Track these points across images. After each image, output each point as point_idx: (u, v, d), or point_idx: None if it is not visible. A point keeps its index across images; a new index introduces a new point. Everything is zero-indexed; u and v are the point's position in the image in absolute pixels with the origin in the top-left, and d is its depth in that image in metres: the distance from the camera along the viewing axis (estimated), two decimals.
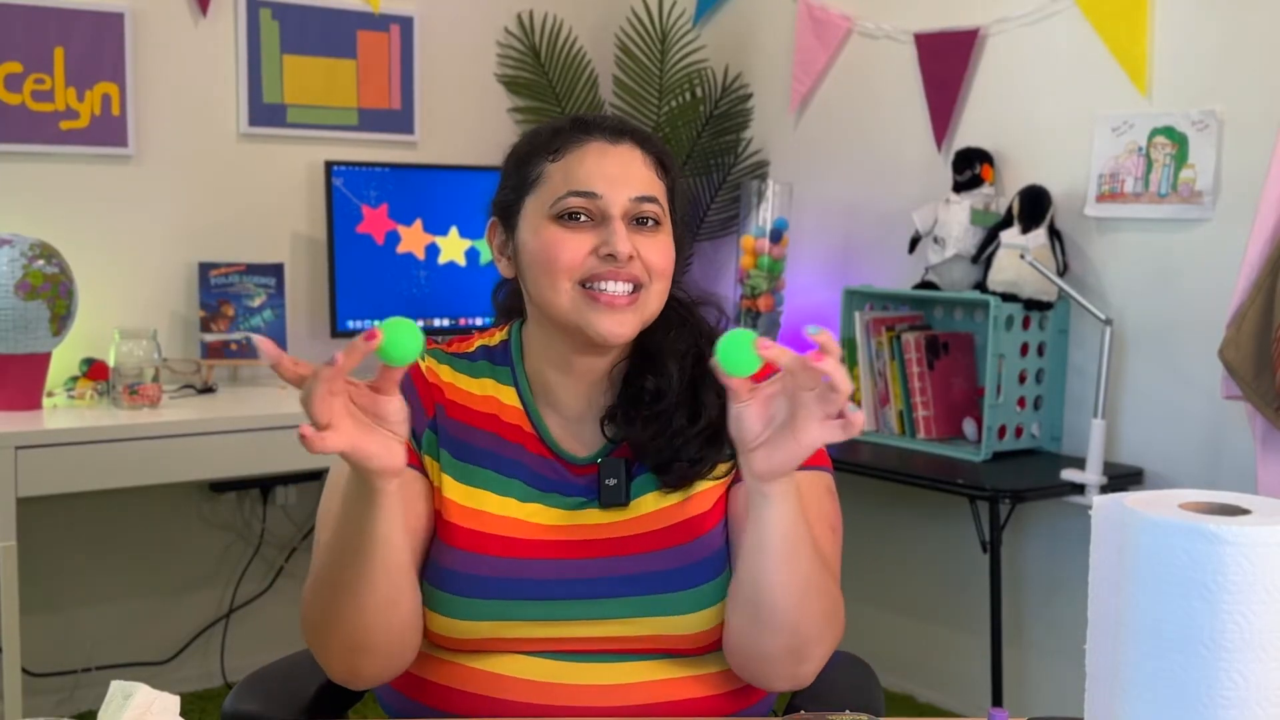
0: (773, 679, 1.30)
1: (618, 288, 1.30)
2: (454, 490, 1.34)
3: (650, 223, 1.33)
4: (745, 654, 1.29)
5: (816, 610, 1.25)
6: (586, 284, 1.30)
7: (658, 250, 1.32)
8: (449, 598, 1.30)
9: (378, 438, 1.11)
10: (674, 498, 1.34)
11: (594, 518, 1.34)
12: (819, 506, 1.33)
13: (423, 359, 1.40)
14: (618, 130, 1.35)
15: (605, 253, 1.29)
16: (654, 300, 1.33)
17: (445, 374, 1.40)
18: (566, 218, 1.31)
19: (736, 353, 1.10)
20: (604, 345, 1.32)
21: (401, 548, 1.23)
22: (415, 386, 1.39)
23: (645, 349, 1.38)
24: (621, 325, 1.30)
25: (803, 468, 1.32)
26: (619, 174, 1.32)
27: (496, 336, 1.45)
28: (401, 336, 1.06)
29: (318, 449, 1.06)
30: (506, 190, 1.38)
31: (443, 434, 1.37)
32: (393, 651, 1.28)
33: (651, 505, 1.34)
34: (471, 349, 1.44)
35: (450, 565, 1.31)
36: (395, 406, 1.12)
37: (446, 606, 1.30)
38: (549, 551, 1.32)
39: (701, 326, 1.41)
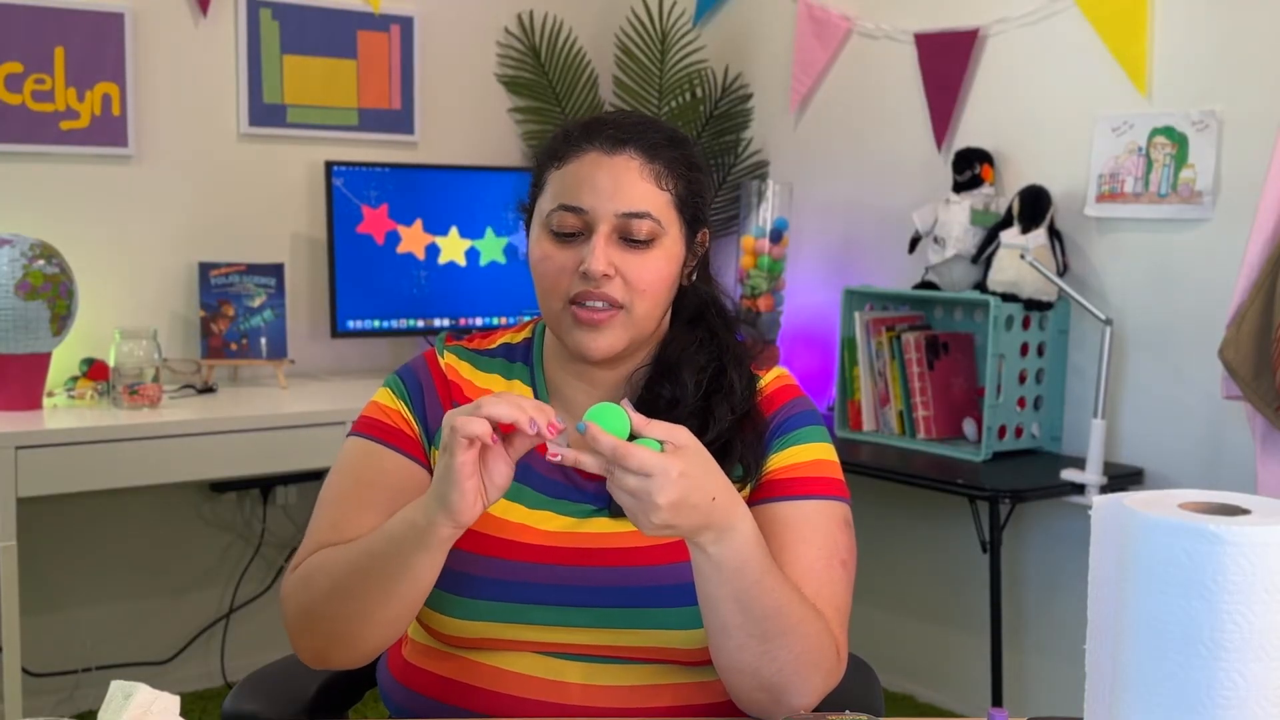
0: (758, 713, 1.26)
1: (595, 304, 1.28)
2: None
3: (642, 240, 1.29)
4: (726, 684, 1.26)
5: (784, 657, 1.20)
6: (574, 301, 1.29)
7: (643, 269, 1.29)
8: (445, 595, 1.30)
9: (479, 484, 1.15)
10: None
11: (601, 526, 1.33)
12: (830, 539, 1.31)
13: (443, 356, 1.41)
14: (619, 139, 1.30)
15: (582, 270, 1.28)
16: (642, 318, 1.31)
17: (465, 371, 1.40)
18: (556, 231, 1.30)
19: (607, 420, 1.12)
20: (589, 361, 1.32)
21: (429, 589, 1.24)
22: (434, 382, 1.39)
23: (666, 359, 1.36)
24: (599, 341, 1.29)
25: (816, 497, 1.32)
26: (609, 187, 1.28)
27: (521, 334, 1.45)
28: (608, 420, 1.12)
29: (473, 434, 1.12)
30: (530, 188, 1.38)
31: None
32: (368, 653, 1.29)
33: None
34: (493, 346, 1.43)
35: (448, 563, 1.31)
36: (508, 471, 1.16)
37: (442, 604, 1.30)
38: (552, 558, 1.31)
39: (729, 343, 1.38)
